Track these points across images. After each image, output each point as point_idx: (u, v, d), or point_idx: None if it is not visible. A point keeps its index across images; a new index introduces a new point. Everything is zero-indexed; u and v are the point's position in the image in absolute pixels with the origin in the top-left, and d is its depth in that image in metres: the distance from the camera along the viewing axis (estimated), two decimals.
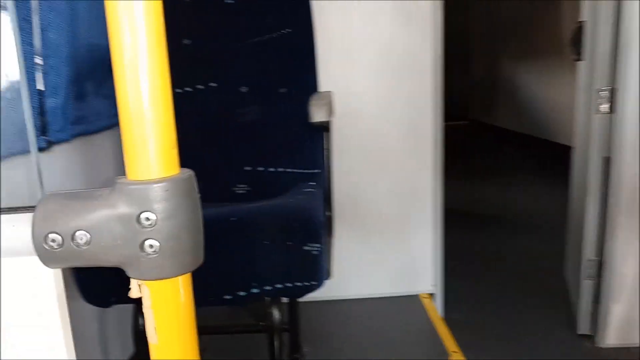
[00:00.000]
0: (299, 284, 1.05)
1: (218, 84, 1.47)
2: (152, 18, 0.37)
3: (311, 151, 1.40)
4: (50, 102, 1.04)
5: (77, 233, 0.38)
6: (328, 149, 1.43)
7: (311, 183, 1.32)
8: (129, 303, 1.07)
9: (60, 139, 1.06)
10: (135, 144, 0.38)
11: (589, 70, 1.92)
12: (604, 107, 1.79)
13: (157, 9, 0.37)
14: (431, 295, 1.90)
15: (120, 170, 1.20)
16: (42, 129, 1.02)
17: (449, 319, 1.77)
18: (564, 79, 4.25)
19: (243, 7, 1.47)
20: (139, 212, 0.38)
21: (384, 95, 1.82)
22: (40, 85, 1.04)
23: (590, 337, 1.91)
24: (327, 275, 1.11)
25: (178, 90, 1.43)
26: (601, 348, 1.86)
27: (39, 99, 1.02)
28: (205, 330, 1.04)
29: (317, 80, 1.47)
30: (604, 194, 1.84)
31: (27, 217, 0.40)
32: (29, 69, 1.01)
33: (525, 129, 5.16)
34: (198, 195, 0.41)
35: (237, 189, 1.46)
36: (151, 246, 0.38)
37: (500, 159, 5.11)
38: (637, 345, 1.84)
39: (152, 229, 0.38)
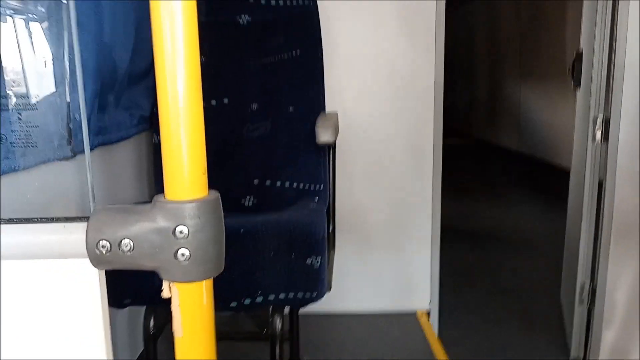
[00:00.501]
0: (300, 294, 1.12)
1: (230, 100, 1.55)
2: (192, 69, 0.46)
3: (316, 168, 1.48)
4: (76, 115, 1.12)
5: (123, 241, 0.45)
6: (332, 166, 1.50)
7: (315, 198, 1.39)
8: (141, 305, 1.14)
9: (84, 149, 1.13)
10: (174, 171, 0.46)
11: (585, 98, 2.01)
12: (598, 135, 1.87)
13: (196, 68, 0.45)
14: (427, 312, 1.96)
15: (136, 177, 1.28)
16: (67, 139, 1.10)
17: (444, 337, 1.83)
18: (566, 102, 4.33)
19: (256, 28, 1.56)
20: (174, 225, 0.45)
21: (386, 114, 1.90)
22: (67, 99, 1.12)
23: None
24: (327, 287, 1.17)
25: None
26: None
27: (66, 111, 1.10)
28: None
29: (323, 100, 1.55)
30: (597, 219, 1.91)
31: (77, 225, 0.48)
32: (58, 84, 1.10)
33: (527, 149, 5.23)
34: (222, 214, 0.49)
35: (245, 200, 1.54)
36: (183, 254, 0.46)
37: (501, 178, 5.18)
38: None
39: (184, 240, 0.46)
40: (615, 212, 1.82)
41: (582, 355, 1.97)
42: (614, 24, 1.80)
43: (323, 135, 1.32)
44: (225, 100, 1.54)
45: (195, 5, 0.46)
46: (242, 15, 1.56)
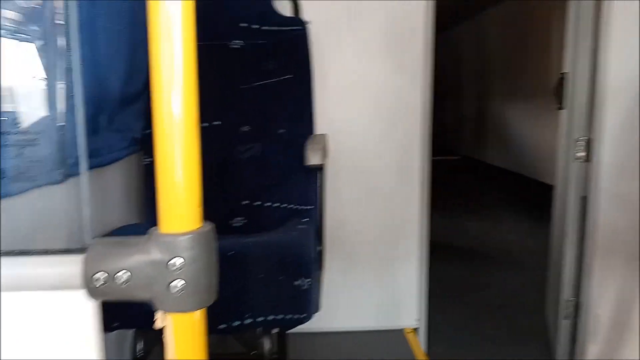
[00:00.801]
0: (289, 316, 1.14)
1: (222, 122, 1.57)
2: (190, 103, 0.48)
3: (305, 189, 1.50)
4: (69, 138, 1.13)
5: (119, 273, 0.47)
6: (321, 187, 1.53)
7: (304, 219, 1.41)
8: (130, 328, 1.15)
9: (75, 172, 1.14)
10: (170, 204, 0.48)
11: (569, 119, 2.06)
12: (581, 155, 1.91)
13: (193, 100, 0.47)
14: (415, 329, 1.97)
15: (127, 198, 1.28)
16: (60, 163, 1.11)
17: (432, 353, 1.85)
18: (550, 121, 4.41)
19: (249, 52, 1.59)
20: (169, 258, 0.47)
21: (375, 135, 1.93)
22: (61, 122, 1.14)
23: None
24: (316, 308, 1.19)
25: None
26: None
27: (60, 134, 1.12)
28: None
29: (313, 123, 1.58)
30: (581, 236, 1.95)
31: (73, 258, 0.49)
32: (52, 107, 1.11)
33: (512, 166, 5.30)
34: (216, 244, 0.50)
35: (234, 222, 1.55)
36: (177, 286, 0.47)
37: (487, 194, 5.24)
38: None
39: (179, 271, 0.47)
40: (599, 230, 1.86)
41: None
42: (597, 48, 1.85)
43: (313, 158, 1.35)
44: (217, 122, 1.56)
45: (195, 27, 0.48)
46: (235, 40, 1.59)
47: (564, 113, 2.22)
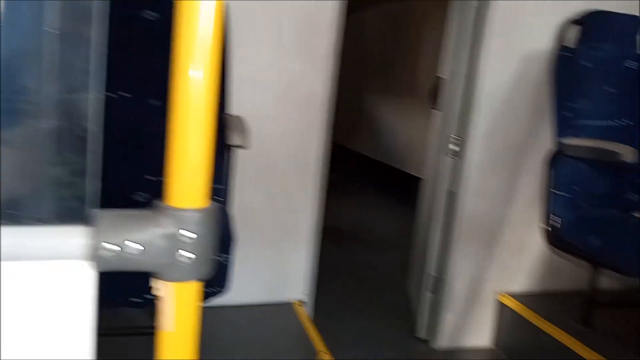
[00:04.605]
0: (207, 290, 1.18)
1: (131, 95, 1.51)
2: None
3: (217, 167, 1.52)
4: None
5: (132, 245, 0.50)
6: (232, 167, 1.56)
7: (217, 198, 1.44)
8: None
9: None
10: (184, 181, 0.51)
11: (443, 119, 2.33)
12: (453, 151, 2.20)
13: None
14: (302, 302, 2.11)
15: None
16: None
17: (317, 323, 2.00)
18: (418, 119, 4.87)
19: (163, 26, 1.54)
20: (179, 230, 0.51)
21: (280, 121, 2.00)
22: None
23: (427, 341, 2.31)
24: (231, 282, 1.24)
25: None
26: (435, 349, 2.26)
27: None
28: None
29: (227, 102, 1.59)
30: (446, 222, 2.24)
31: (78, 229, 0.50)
32: None
33: (380, 157, 5.73)
34: (217, 222, 0.55)
35: (136, 196, 1.51)
36: (185, 257, 0.52)
37: (359, 181, 5.62)
38: (464, 347, 2.27)
39: (187, 244, 0.51)
40: (462, 216, 2.17)
41: (428, 336, 2.31)
42: (476, 57, 2.11)
43: (235, 139, 1.38)
44: (126, 95, 1.50)
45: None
46: (149, 12, 1.53)
47: (438, 113, 2.50)
